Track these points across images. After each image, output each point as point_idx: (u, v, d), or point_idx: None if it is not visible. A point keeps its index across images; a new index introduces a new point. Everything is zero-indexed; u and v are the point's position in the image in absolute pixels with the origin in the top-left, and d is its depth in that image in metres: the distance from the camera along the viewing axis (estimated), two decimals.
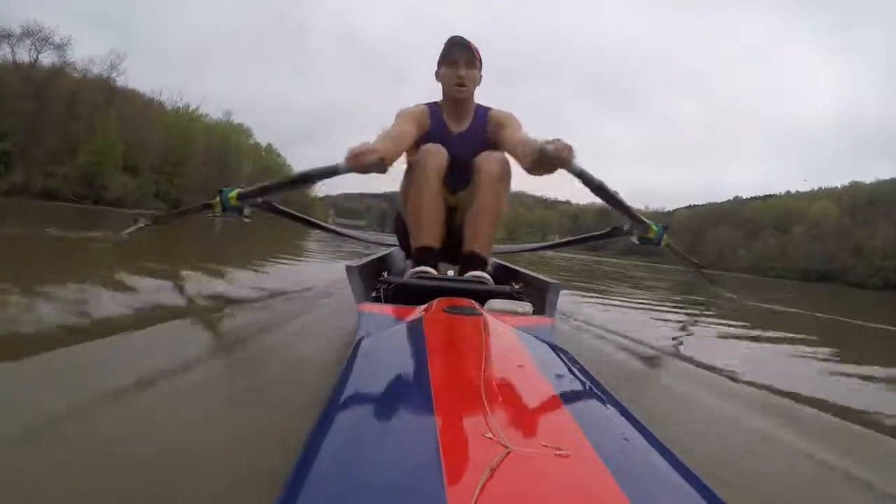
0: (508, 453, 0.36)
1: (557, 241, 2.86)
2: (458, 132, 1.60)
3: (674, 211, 72.62)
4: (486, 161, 1.44)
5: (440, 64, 1.58)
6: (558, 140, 1.14)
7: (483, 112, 1.63)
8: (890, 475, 0.85)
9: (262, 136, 55.34)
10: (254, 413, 0.83)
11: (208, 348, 1.19)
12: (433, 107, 1.63)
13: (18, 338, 1.06)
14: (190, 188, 32.02)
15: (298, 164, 52.42)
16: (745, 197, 67.66)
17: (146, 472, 0.61)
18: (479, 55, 1.58)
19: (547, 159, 1.13)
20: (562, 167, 1.15)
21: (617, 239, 1.90)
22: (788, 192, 62.93)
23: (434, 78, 1.62)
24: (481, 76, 1.60)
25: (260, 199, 1.55)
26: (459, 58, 1.53)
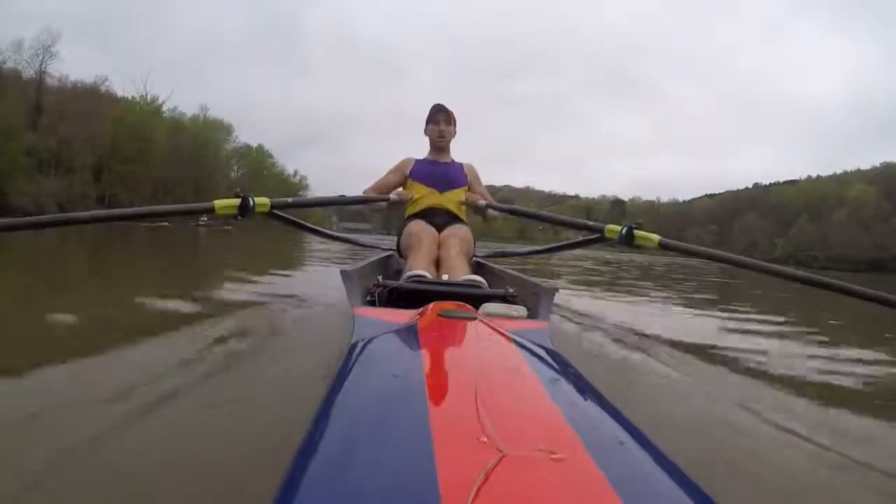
0: (503, 457, 0.37)
1: (541, 247, 3.03)
2: (443, 161, 2.32)
3: (691, 201, 71.19)
4: (451, 237, 1.96)
5: (427, 123, 2.29)
6: (470, 195, 2.23)
7: (459, 162, 2.37)
8: None
9: (262, 141, 54.68)
10: None
11: None
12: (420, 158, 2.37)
13: None
14: (147, 191, 28.18)
15: (297, 166, 52.57)
16: (765, 183, 66.45)
17: None
18: (453, 116, 2.30)
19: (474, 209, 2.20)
20: (479, 214, 2.24)
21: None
22: (810, 177, 61.71)
23: (423, 133, 2.33)
24: (455, 131, 2.34)
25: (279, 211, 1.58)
26: (440, 118, 2.27)
